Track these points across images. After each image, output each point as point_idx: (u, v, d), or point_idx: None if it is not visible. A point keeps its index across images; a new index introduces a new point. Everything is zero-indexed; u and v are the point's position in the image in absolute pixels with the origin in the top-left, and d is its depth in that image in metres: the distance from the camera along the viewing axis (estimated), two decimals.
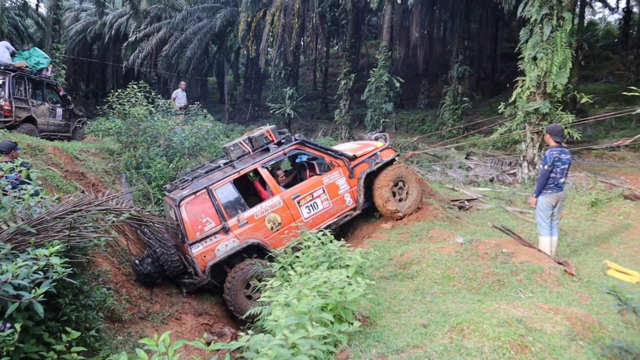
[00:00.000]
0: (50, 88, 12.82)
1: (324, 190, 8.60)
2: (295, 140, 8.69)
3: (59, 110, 12.85)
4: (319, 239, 5.57)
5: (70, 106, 13.43)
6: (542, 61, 12.13)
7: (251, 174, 8.82)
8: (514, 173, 14.24)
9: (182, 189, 8.03)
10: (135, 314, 6.49)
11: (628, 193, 9.60)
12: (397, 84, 21.55)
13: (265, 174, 8.38)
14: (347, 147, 10.01)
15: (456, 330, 3.77)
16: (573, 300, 4.87)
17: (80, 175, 8.85)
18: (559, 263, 5.91)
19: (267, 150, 8.58)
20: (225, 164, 8.62)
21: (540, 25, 12.27)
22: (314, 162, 9.24)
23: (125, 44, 34.07)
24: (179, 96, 16.48)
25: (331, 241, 5.60)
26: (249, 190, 9.06)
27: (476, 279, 5.67)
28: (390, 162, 9.31)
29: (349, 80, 24.22)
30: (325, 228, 8.15)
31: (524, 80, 12.74)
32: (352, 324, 3.73)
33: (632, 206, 9.03)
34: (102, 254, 6.70)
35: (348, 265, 4.73)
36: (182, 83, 17.01)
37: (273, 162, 8.60)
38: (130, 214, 5.45)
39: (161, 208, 9.37)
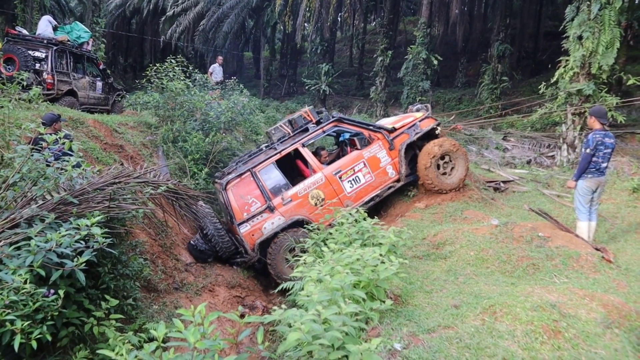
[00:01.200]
0: (90, 62, 13.07)
1: (364, 164, 8.73)
2: (333, 117, 8.85)
3: (99, 84, 13.11)
4: (353, 216, 5.59)
5: (110, 80, 13.69)
6: (588, 40, 11.71)
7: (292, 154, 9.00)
8: (552, 156, 13.93)
9: (228, 173, 8.43)
10: (171, 285, 6.67)
11: None
12: (435, 62, 21.17)
13: (305, 152, 8.63)
14: (387, 121, 10.06)
15: (488, 313, 3.75)
16: (610, 288, 4.76)
17: (119, 148, 9.06)
18: (597, 249, 5.76)
19: (307, 130, 8.80)
20: (267, 146, 9.00)
21: (588, 2, 11.82)
22: (356, 139, 9.32)
23: (163, 18, 34.28)
24: (216, 71, 16.59)
25: (365, 219, 5.61)
26: (294, 170, 9.32)
27: (510, 261, 5.59)
28: (433, 133, 9.28)
29: (385, 57, 23.86)
30: (370, 200, 8.68)
31: (567, 60, 12.36)
32: (384, 302, 3.75)
33: None
34: (139, 225, 6.86)
35: (381, 244, 4.75)
36: (220, 58, 17.08)
37: (313, 141, 8.87)
38: (167, 186, 5.57)
39: (197, 182, 9.57)
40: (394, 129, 9.10)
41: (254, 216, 8.13)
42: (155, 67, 11.01)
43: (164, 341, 2.80)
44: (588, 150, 6.55)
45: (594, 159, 6.55)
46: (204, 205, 8.54)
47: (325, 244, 5.05)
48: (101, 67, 13.45)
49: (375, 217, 8.88)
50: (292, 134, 8.82)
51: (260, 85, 34.55)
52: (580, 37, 11.92)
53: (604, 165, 6.60)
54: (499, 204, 8.91)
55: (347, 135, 9.73)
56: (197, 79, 12.46)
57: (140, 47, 43.32)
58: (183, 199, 6.30)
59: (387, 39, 24.64)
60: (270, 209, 8.17)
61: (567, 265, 5.33)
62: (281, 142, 8.69)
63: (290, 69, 35.87)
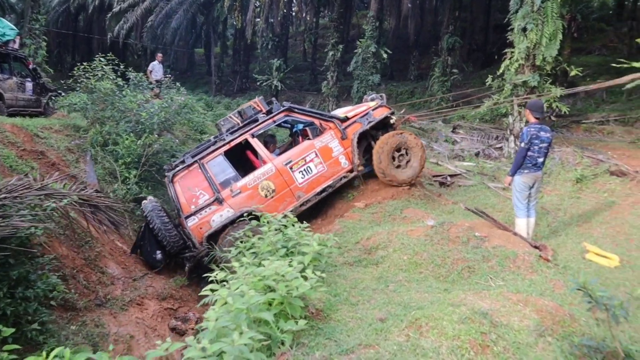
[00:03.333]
0: (18, 61, 12.26)
1: (316, 154, 8.48)
2: (283, 107, 8.62)
3: (29, 85, 12.31)
4: (280, 221, 5.24)
5: (41, 80, 12.89)
6: (532, 32, 11.71)
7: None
8: (500, 147, 13.92)
9: (176, 165, 8.16)
10: (92, 301, 6.16)
11: (614, 169, 9.27)
12: (385, 55, 21.05)
13: (255, 143, 8.39)
14: (341, 111, 9.81)
15: (414, 327, 3.46)
16: (546, 289, 4.56)
17: (39, 155, 8.35)
18: (535, 247, 5.59)
19: (256, 120, 8.54)
20: (215, 137, 8.73)
21: None
22: (308, 129, 9.10)
23: (109, 14, 33.07)
24: (156, 69, 15.84)
25: (293, 224, 5.27)
26: (245, 162, 9.03)
27: (445, 265, 5.33)
28: (388, 123, 9.08)
29: (336, 52, 23.59)
30: (322, 191, 8.44)
31: (512, 52, 12.35)
32: (297, 321, 3.40)
33: (617, 183, 8.71)
34: (57, 238, 6.32)
35: (305, 253, 4.40)
36: (159, 55, 16.35)
37: (262, 131, 8.63)
38: (77, 197, 5.06)
39: (129, 187, 9.03)
40: (347, 118, 8.84)
41: (201, 209, 7.85)
42: (82, 66, 10.32)
43: None
44: (522, 145, 6.39)
45: (530, 153, 6.39)
46: (152, 199, 8.26)
47: (243, 256, 4.67)
48: (31, 66, 12.65)
49: (318, 217, 8.82)
50: (241, 125, 8.54)
51: (212, 82, 33.84)
52: (524, 29, 11.92)
53: (541, 160, 6.44)
54: (442, 200, 8.71)
55: (300, 126, 9.51)
56: (132, 78, 11.82)
57: (88, 45, 41.72)
58: (98, 209, 5.78)
59: (337, 33, 24.39)
60: (219, 201, 7.91)
61: (503, 266, 5.11)
62: (230, 133, 8.40)
63: (242, 65, 35.19)
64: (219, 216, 7.86)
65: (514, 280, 4.82)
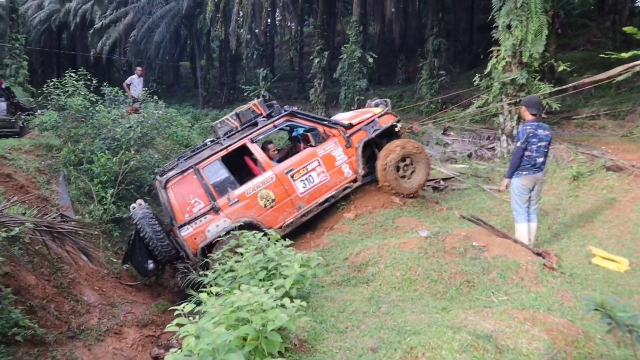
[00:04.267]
0: None
1: (319, 163, 8.06)
2: (285, 111, 8.18)
3: (2, 105, 11.89)
4: (261, 240, 4.81)
5: (15, 99, 12.43)
6: (517, 29, 11.46)
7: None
8: (492, 147, 13.60)
9: (169, 170, 7.70)
10: (64, 333, 5.68)
11: (610, 164, 8.95)
12: (371, 60, 20.74)
13: (254, 148, 7.94)
14: (344, 117, 9.37)
15: (410, 357, 3.05)
16: (554, 303, 4.15)
17: (6, 177, 7.86)
18: (538, 254, 5.18)
19: (256, 124, 8.07)
20: (212, 141, 8.25)
21: None
22: (310, 135, 8.55)
23: (91, 31, 32.71)
24: (135, 82, 15.24)
25: (277, 241, 4.85)
26: (243, 168, 8.53)
27: (442, 280, 4.90)
28: (392, 131, 8.69)
29: (322, 58, 23.30)
30: (324, 202, 7.99)
31: (498, 50, 12.10)
32: (275, 358, 2.98)
33: (615, 178, 8.37)
34: (26, 267, 5.86)
35: (286, 276, 3.97)
36: (138, 69, 15.83)
37: (263, 136, 8.16)
38: (33, 223, 4.61)
39: (106, 207, 8.55)
40: (351, 125, 8.41)
41: (196, 218, 7.41)
42: (52, 83, 9.84)
43: None
44: (519, 144, 6.02)
45: (527, 153, 6.00)
46: (142, 204, 7.73)
47: (226, 279, 4.24)
48: (3, 85, 12.21)
49: (307, 230, 8.38)
50: (240, 128, 8.07)
51: (199, 95, 33.47)
52: (509, 26, 11.69)
53: (540, 160, 6.03)
54: (436, 206, 8.32)
55: (300, 131, 8.96)
56: (107, 93, 11.36)
57: (72, 62, 41.24)
58: (63, 235, 5.31)
59: (322, 39, 24.11)
60: (215, 210, 7.47)
61: (505, 278, 4.69)
62: (228, 137, 7.93)
63: (229, 77, 34.80)
64: (214, 226, 7.43)
65: (518, 294, 4.40)
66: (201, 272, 5.46)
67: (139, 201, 7.88)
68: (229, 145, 7.77)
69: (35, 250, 5.54)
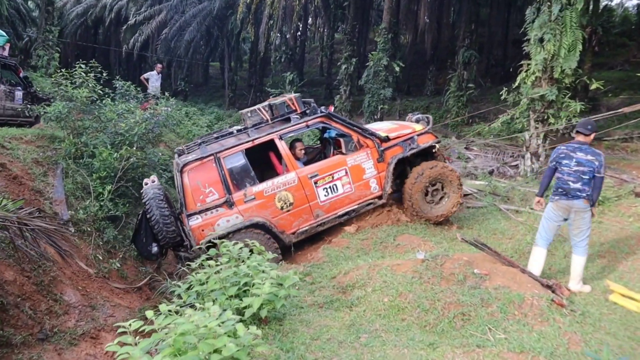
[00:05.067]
0: (7, 69, 11.76)
1: (346, 172, 7.68)
2: (321, 112, 7.76)
3: (19, 93, 11.78)
4: (241, 251, 4.43)
5: (32, 89, 12.36)
6: (550, 43, 10.92)
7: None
8: (516, 165, 13.02)
9: (189, 153, 7.40)
10: (34, 335, 5.39)
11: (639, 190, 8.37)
12: (397, 68, 20.30)
13: (282, 146, 7.55)
14: (381, 127, 8.92)
15: None
16: (559, 346, 3.65)
17: (0, 167, 7.67)
18: (548, 286, 4.68)
19: (288, 120, 7.72)
20: (239, 130, 7.87)
21: (549, 3, 11.05)
22: (342, 140, 8.22)
23: (125, 27, 33.16)
24: (153, 79, 15.09)
25: (259, 253, 4.47)
26: (265, 164, 8.19)
27: (434, 310, 4.41)
28: (429, 150, 8.26)
29: (350, 65, 23.02)
30: (344, 214, 7.56)
31: (529, 64, 11.56)
32: None
33: None
34: (5, 261, 5.61)
35: (257, 295, 3.58)
36: (159, 65, 15.70)
37: (293, 134, 7.79)
38: None
39: (102, 204, 8.31)
40: (388, 139, 7.99)
41: (208, 209, 7.11)
42: (60, 73, 9.69)
43: None
44: (549, 164, 5.53)
45: (558, 175, 5.48)
46: (155, 182, 7.40)
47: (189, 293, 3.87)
48: (22, 74, 12.14)
49: (307, 242, 7.97)
50: (270, 122, 7.73)
51: (226, 96, 33.54)
52: (541, 40, 11.15)
53: (575, 186, 5.37)
54: (445, 225, 7.82)
55: (332, 133, 8.59)
56: (118, 87, 11.20)
57: (105, 57, 41.89)
58: (36, 233, 5.01)
59: (350, 46, 23.90)
60: (229, 204, 7.15)
61: (506, 313, 4.18)
62: (256, 129, 7.59)
63: (257, 79, 34.78)
64: (225, 221, 7.10)
65: (518, 333, 3.90)
66: (173, 282, 5.11)
67: (153, 177, 7.59)
68: (256, 138, 7.41)
69: (15, 246, 5.26)
